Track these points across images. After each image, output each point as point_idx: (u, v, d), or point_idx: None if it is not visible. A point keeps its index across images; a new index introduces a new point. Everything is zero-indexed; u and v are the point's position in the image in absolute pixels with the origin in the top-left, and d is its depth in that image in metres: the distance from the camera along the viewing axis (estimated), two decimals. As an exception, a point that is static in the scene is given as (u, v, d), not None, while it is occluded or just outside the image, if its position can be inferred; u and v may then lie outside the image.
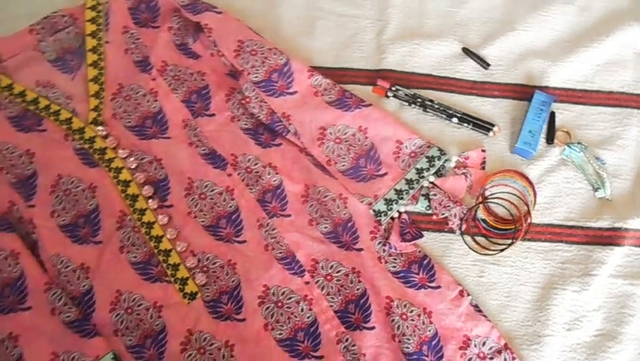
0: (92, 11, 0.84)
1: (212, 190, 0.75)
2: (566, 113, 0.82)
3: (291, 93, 0.80)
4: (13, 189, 0.75)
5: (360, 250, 0.73)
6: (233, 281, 0.71)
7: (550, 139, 0.80)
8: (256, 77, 0.79)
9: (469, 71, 0.85)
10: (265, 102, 0.79)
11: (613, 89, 0.84)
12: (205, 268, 0.72)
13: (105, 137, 0.78)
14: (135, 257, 0.72)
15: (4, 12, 0.87)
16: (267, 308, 0.70)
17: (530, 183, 0.78)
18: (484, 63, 0.85)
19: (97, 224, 0.74)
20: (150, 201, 0.74)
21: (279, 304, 0.70)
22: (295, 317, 0.70)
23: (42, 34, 0.83)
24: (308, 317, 0.70)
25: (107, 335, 0.69)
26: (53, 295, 0.69)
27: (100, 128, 0.78)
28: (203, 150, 0.78)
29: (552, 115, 0.81)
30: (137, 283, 0.71)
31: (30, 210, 0.74)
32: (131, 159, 0.77)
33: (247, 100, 0.80)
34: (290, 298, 0.70)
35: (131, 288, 0.71)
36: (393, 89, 0.82)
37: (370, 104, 0.79)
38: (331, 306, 0.71)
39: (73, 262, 0.72)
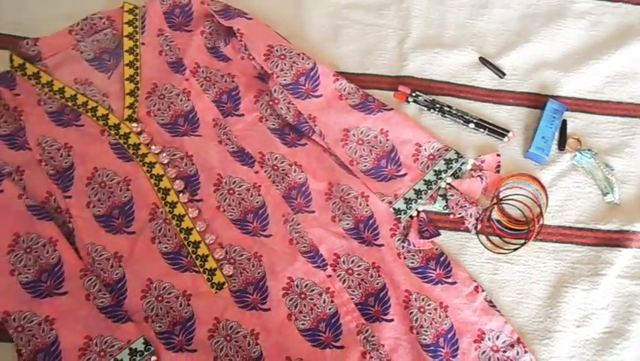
0: (129, 14, 0.87)
1: (240, 186, 0.78)
2: (577, 122, 0.85)
3: (317, 96, 0.82)
4: (52, 181, 0.77)
5: (381, 245, 0.75)
6: (258, 273, 0.73)
7: (561, 145, 0.82)
8: (284, 79, 0.82)
9: (485, 79, 0.87)
10: (292, 104, 0.82)
11: (622, 100, 0.86)
12: (232, 260, 0.74)
13: (139, 133, 0.80)
14: (166, 248, 0.74)
15: (45, 13, 0.90)
16: (291, 299, 0.72)
17: (543, 186, 0.80)
18: (499, 72, 0.87)
19: (130, 215, 0.76)
20: (181, 195, 0.77)
21: (303, 295, 0.72)
22: (317, 308, 0.72)
23: (81, 34, 0.86)
24: (330, 309, 0.72)
25: (138, 321, 0.71)
26: (88, 282, 0.71)
27: (134, 124, 0.81)
28: (232, 147, 0.80)
29: (564, 123, 0.83)
30: (167, 273, 0.73)
31: (67, 200, 0.76)
32: (164, 154, 0.79)
33: (275, 101, 0.82)
34: (313, 290, 0.72)
35: (162, 277, 0.73)
36: (414, 94, 0.85)
37: (392, 109, 0.82)
38: (352, 298, 0.72)
39: (107, 250, 0.74)
